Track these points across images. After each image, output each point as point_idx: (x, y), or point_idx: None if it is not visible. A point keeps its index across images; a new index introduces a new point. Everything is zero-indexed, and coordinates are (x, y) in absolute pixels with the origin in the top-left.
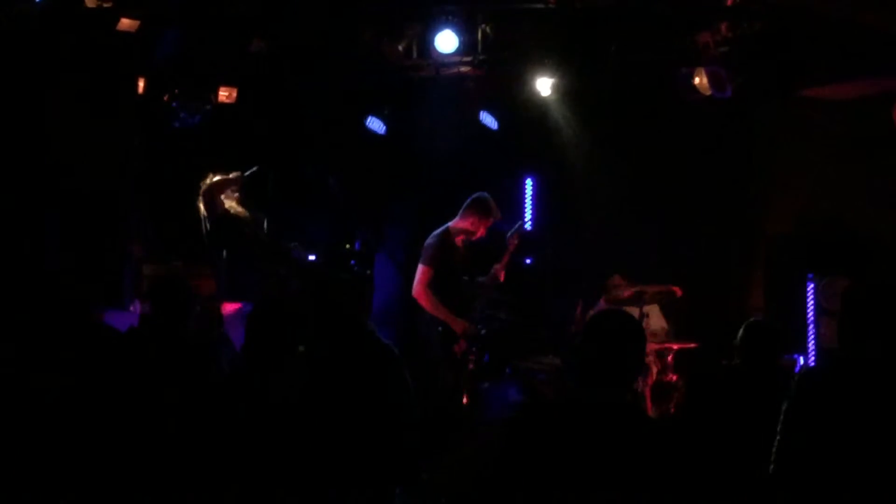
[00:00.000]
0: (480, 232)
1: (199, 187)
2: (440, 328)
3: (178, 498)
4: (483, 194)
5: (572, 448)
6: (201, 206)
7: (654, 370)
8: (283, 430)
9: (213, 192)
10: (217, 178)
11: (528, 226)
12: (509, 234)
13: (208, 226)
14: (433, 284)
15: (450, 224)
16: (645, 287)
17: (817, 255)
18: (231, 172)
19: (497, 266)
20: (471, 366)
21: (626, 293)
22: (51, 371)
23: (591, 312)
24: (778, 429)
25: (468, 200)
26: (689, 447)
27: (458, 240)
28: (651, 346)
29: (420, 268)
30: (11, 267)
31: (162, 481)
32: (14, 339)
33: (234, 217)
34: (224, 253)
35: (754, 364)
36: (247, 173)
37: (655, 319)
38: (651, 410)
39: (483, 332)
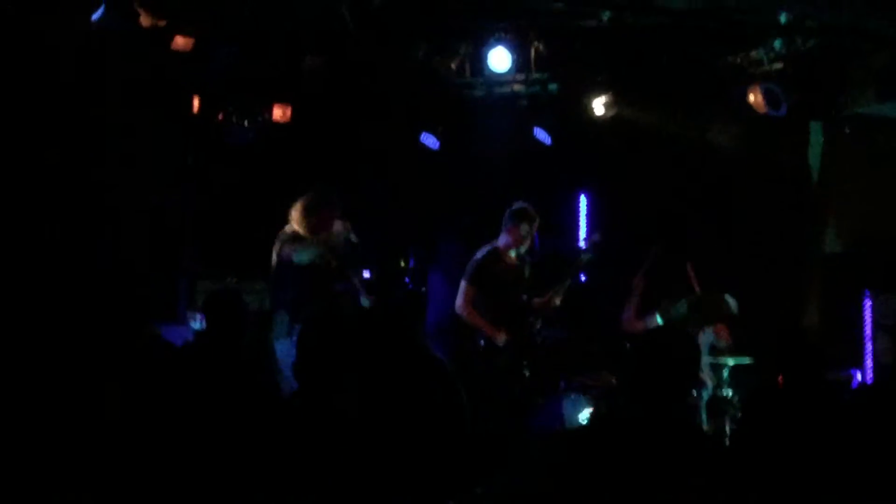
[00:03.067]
0: (528, 240)
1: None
2: (482, 342)
3: None
4: (517, 203)
5: (622, 463)
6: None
7: (711, 385)
8: (339, 448)
9: (284, 243)
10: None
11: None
12: (585, 248)
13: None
14: (478, 302)
15: (497, 243)
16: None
17: (874, 272)
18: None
19: (552, 293)
20: (517, 379)
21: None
22: (109, 382)
23: (647, 320)
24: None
25: (505, 215)
26: (742, 464)
27: (511, 258)
28: (707, 361)
29: (462, 285)
30: (69, 279)
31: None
32: (73, 352)
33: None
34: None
35: (799, 380)
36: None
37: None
38: (707, 426)
39: (530, 343)
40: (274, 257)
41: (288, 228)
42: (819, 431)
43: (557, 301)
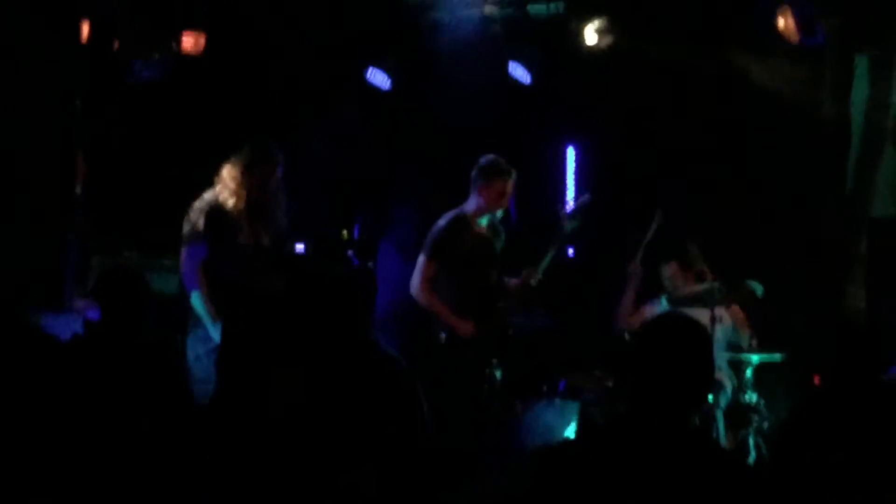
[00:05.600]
0: (502, 203)
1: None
2: (443, 334)
3: None
4: (486, 157)
5: (620, 487)
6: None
7: (730, 388)
8: (266, 463)
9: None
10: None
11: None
12: (568, 212)
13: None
14: (440, 283)
15: (465, 207)
16: (715, 284)
17: None
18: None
19: (530, 270)
20: (490, 382)
21: (691, 290)
22: None
23: (647, 310)
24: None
25: (473, 173)
26: (770, 486)
27: (481, 227)
28: (724, 358)
29: (420, 260)
30: None
31: None
32: None
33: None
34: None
35: (849, 382)
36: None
37: (738, 322)
38: (725, 438)
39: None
40: (188, 229)
41: (208, 195)
42: (873, 447)
43: (534, 280)
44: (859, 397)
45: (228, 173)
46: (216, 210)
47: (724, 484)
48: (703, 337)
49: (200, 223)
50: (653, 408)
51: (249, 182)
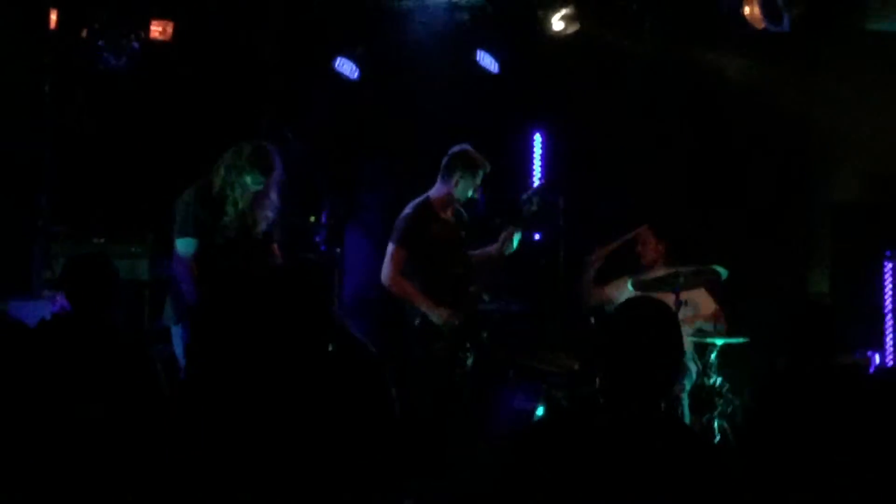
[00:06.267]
0: (470, 192)
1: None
2: (418, 320)
3: None
4: (460, 146)
5: (591, 471)
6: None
7: (695, 371)
8: (232, 450)
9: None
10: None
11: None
12: (525, 196)
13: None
14: (410, 269)
15: (430, 194)
16: (680, 268)
17: None
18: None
19: (501, 239)
20: (462, 367)
21: (656, 273)
22: None
23: (610, 289)
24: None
25: (444, 160)
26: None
27: (447, 212)
28: (690, 342)
29: (390, 248)
30: None
31: None
32: None
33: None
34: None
35: (804, 364)
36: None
37: (704, 306)
38: (690, 421)
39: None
40: (180, 219)
41: (201, 184)
42: (832, 429)
43: (507, 249)
44: (814, 380)
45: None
46: (209, 201)
47: (695, 466)
48: (671, 320)
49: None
50: (623, 392)
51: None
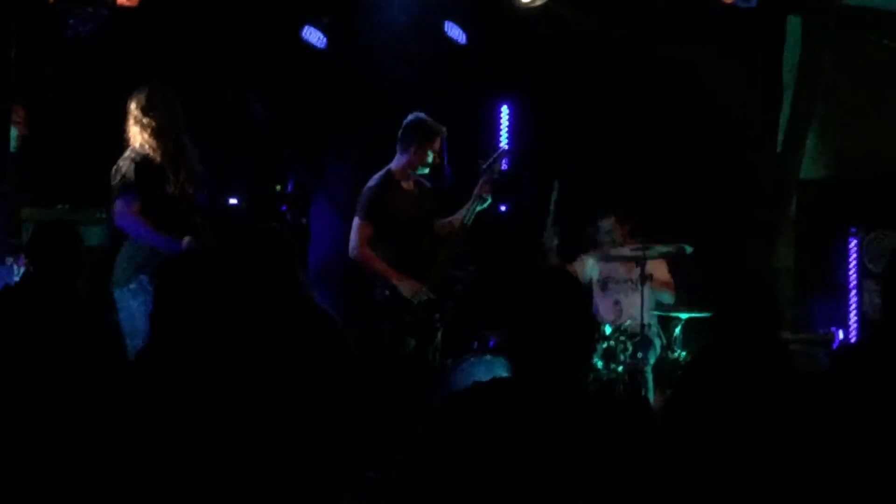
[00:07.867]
0: (428, 161)
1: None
2: (387, 292)
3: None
4: (414, 114)
5: (503, 447)
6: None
7: (659, 345)
8: (197, 423)
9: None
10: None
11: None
12: (485, 164)
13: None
14: (377, 242)
15: (391, 166)
16: (647, 244)
17: (861, 204)
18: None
19: (464, 213)
20: (433, 338)
21: (623, 247)
22: None
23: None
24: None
25: (399, 131)
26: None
27: (409, 183)
28: (654, 315)
29: (356, 222)
30: None
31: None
32: None
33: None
34: None
35: (733, 339)
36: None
37: (659, 273)
38: (654, 395)
39: (443, 293)
40: (118, 180)
41: (135, 146)
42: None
43: (468, 219)
44: (749, 356)
45: (136, 119)
46: (144, 159)
47: (609, 439)
48: (572, 284)
49: (131, 173)
50: (533, 366)
51: (160, 125)
